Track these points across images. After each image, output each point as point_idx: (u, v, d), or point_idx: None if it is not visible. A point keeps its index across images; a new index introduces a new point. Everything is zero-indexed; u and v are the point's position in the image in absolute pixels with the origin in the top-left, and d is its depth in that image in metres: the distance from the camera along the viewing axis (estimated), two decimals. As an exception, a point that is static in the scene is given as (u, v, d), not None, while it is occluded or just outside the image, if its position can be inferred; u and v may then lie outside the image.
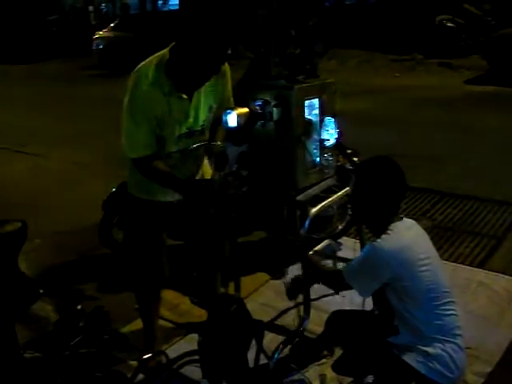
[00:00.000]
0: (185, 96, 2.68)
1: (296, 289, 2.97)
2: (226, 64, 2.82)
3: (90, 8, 24.43)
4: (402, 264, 2.35)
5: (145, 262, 3.04)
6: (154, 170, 2.71)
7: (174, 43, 2.65)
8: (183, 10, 2.63)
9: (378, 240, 2.42)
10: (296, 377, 2.98)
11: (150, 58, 2.70)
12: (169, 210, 2.93)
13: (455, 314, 2.44)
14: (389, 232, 2.42)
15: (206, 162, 3.00)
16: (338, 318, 2.83)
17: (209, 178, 2.85)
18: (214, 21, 2.52)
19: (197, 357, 2.54)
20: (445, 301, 2.41)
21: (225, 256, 3.14)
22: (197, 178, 2.95)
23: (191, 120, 2.76)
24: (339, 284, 2.57)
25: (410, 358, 2.38)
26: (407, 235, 2.45)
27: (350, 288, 2.52)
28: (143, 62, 2.70)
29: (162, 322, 3.48)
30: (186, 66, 2.59)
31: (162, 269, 3.07)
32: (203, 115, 2.80)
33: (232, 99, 2.94)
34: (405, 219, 2.53)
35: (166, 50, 2.68)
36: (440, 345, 2.36)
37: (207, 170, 2.99)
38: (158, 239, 3.02)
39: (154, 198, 2.89)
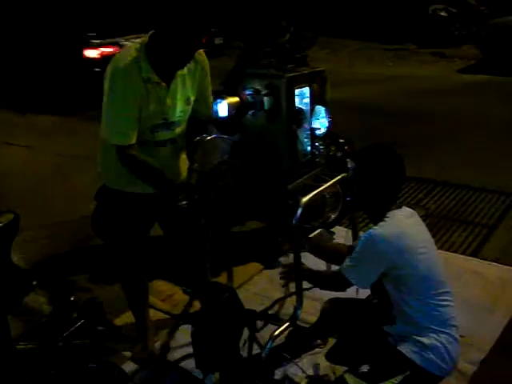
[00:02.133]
0: (163, 83, 2.66)
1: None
2: (205, 57, 2.82)
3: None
4: (400, 250, 2.35)
5: (123, 254, 3.01)
6: (139, 163, 2.66)
7: (153, 31, 2.64)
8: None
9: (376, 227, 2.42)
10: (289, 366, 2.99)
11: (130, 45, 2.70)
12: (150, 202, 2.88)
13: (451, 305, 2.45)
14: (386, 219, 2.42)
15: (184, 157, 2.96)
16: (333, 306, 2.84)
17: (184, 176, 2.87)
18: (188, 9, 2.51)
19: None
20: (441, 291, 2.42)
21: (212, 245, 3.12)
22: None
23: (167, 109, 2.72)
24: (339, 285, 2.56)
25: (405, 348, 2.39)
26: (406, 223, 2.45)
27: (349, 286, 2.51)
28: (124, 49, 2.70)
29: (155, 313, 3.48)
30: (163, 46, 2.56)
31: (141, 260, 3.03)
32: (180, 106, 2.77)
33: (211, 98, 2.92)
34: (404, 208, 2.53)
35: (145, 37, 2.67)
36: (435, 335, 2.37)
37: (184, 166, 2.93)
38: (135, 232, 2.96)
39: (134, 190, 2.83)
